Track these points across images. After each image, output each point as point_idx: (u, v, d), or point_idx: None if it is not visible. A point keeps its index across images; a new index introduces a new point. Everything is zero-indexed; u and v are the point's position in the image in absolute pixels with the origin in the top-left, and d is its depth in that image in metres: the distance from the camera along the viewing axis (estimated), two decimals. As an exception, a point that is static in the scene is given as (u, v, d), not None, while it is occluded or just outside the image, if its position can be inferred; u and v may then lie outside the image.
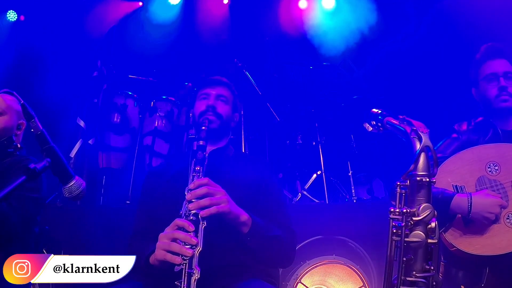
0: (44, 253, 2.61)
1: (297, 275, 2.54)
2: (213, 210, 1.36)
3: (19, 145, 1.93)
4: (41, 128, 1.33)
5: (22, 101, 1.33)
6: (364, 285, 2.56)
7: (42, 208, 1.85)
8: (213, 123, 1.70)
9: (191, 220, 1.33)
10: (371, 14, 4.81)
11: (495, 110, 2.01)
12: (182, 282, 1.21)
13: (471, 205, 1.70)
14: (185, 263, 1.24)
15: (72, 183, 1.37)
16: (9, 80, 4.20)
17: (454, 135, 2.05)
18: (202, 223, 1.33)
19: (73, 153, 3.29)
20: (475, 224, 1.73)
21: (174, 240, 1.30)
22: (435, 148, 2.02)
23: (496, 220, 1.71)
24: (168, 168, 1.79)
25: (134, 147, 3.55)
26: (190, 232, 1.30)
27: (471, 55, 2.17)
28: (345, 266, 2.58)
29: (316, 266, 2.57)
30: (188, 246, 1.27)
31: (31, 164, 1.23)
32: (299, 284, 2.54)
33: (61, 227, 2.75)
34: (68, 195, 1.37)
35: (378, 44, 4.65)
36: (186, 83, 4.00)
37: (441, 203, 1.74)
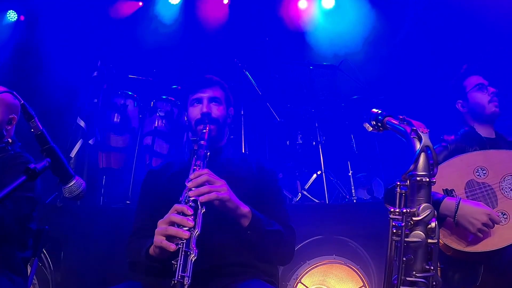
0: (44, 253, 2.62)
1: (297, 275, 2.54)
2: (212, 195, 1.37)
3: (10, 140, 1.87)
4: (41, 128, 1.33)
5: (22, 101, 1.33)
6: (364, 285, 2.56)
7: (37, 205, 1.83)
8: (212, 131, 1.68)
9: (190, 206, 1.33)
10: (371, 14, 4.82)
11: (487, 115, 2.15)
12: (179, 261, 1.22)
13: (457, 208, 1.73)
14: (183, 243, 1.24)
15: (72, 183, 1.36)
16: (9, 80, 4.20)
17: (443, 144, 2.13)
18: (201, 209, 1.33)
19: (73, 153, 3.29)
20: (462, 227, 1.74)
21: (172, 224, 1.30)
22: None
23: (482, 229, 1.70)
24: (168, 167, 1.79)
25: (134, 147, 3.55)
26: (188, 215, 1.30)
27: (455, 67, 2.31)
28: (345, 266, 2.58)
29: (316, 266, 2.57)
30: (185, 229, 1.27)
31: (31, 164, 1.23)
32: (299, 284, 2.54)
33: (61, 227, 2.75)
34: (68, 195, 1.37)
35: (378, 43, 4.65)
36: (175, 86, 3.99)
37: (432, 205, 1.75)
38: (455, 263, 1.83)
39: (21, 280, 1.73)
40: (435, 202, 1.77)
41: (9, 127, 1.89)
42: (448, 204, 1.76)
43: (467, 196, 1.86)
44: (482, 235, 1.71)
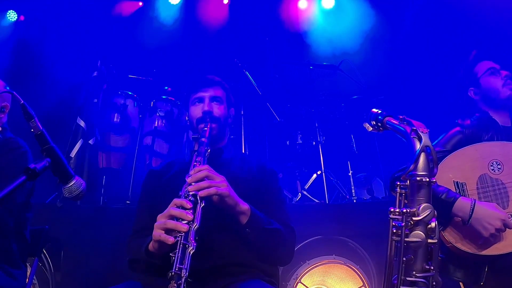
0: (44, 253, 2.62)
1: (297, 275, 2.54)
2: (212, 190, 1.37)
3: (0, 129, 1.87)
4: (41, 128, 1.33)
5: (22, 101, 1.33)
6: (364, 285, 2.56)
7: (33, 192, 1.83)
8: (213, 130, 1.69)
9: (189, 200, 1.34)
10: (371, 14, 4.82)
11: (502, 100, 2.03)
12: (176, 253, 1.22)
13: (473, 211, 1.68)
14: (181, 236, 1.25)
15: (72, 183, 1.37)
16: (9, 80, 4.19)
17: (458, 128, 2.03)
18: (200, 203, 1.34)
19: (73, 153, 3.29)
20: (474, 229, 1.70)
21: (171, 218, 1.31)
22: (436, 141, 2.01)
23: (495, 234, 1.67)
24: (169, 167, 1.80)
25: (134, 147, 3.55)
26: (187, 209, 1.31)
27: (463, 57, 2.23)
28: (345, 266, 2.58)
29: (316, 266, 2.57)
30: (184, 222, 1.28)
31: (31, 164, 1.23)
32: (299, 284, 2.54)
33: (61, 227, 2.75)
34: (68, 195, 1.37)
35: (378, 43, 4.65)
36: (166, 88, 3.99)
37: (444, 203, 1.72)
38: (458, 258, 1.79)
39: (21, 273, 1.73)
40: (447, 201, 1.72)
41: (2, 115, 1.90)
42: (463, 205, 1.70)
43: (478, 193, 1.79)
44: (493, 240, 1.68)
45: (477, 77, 2.11)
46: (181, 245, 1.23)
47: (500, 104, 2.05)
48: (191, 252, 1.23)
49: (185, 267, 1.20)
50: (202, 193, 1.36)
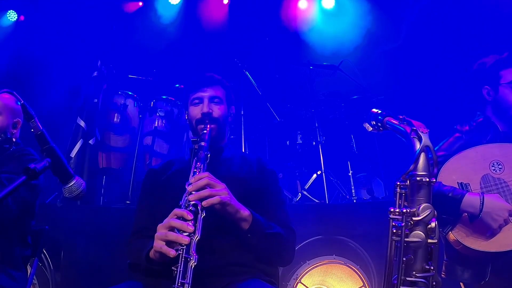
0: (44, 253, 2.62)
1: (297, 275, 2.54)
2: (215, 199, 1.35)
3: (14, 139, 1.95)
4: (41, 128, 1.33)
5: (22, 101, 1.33)
6: (364, 285, 2.56)
7: (38, 198, 1.86)
8: (212, 131, 1.69)
9: (190, 210, 1.32)
10: (371, 14, 4.82)
11: (510, 117, 2.02)
12: (179, 267, 1.21)
13: (483, 204, 1.72)
14: (182, 249, 1.23)
15: (72, 183, 1.37)
16: (9, 80, 4.20)
17: (457, 135, 2.06)
18: (201, 213, 1.32)
19: (73, 153, 3.29)
20: (483, 223, 1.74)
21: (172, 229, 1.29)
22: (438, 147, 2.05)
23: (502, 225, 1.72)
24: (168, 166, 1.79)
25: (134, 147, 3.55)
26: (188, 221, 1.29)
27: (478, 54, 2.18)
28: (345, 266, 2.58)
29: (316, 266, 2.57)
30: (185, 234, 1.26)
31: (31, 164, 1.23)
32: (299, 284, 2.54)
33: (61, 227, 2.75)
34: (68, 195, 1.38)
35: (378, 43, 4.65)
36: (177, 85, 3.99)
37: (452, 200, 1.76)
38: (462, 258, 1.82)
39: (21, 275, 1.74)
40: (455, 197, 1.75)
41: (15, 130, 1.97)
42: (471, 200, 1.74)
43: (482, 192, 1.83)
44: (499, 232, 1.72)
45: (499, 82, 2.05)
46: (183, 259, 1.22)
47: (507, 119, 2.03)
48: (193, 266, 1.22)
49: (188, 281, 1.19)
50: (204, 203, 1.34)
